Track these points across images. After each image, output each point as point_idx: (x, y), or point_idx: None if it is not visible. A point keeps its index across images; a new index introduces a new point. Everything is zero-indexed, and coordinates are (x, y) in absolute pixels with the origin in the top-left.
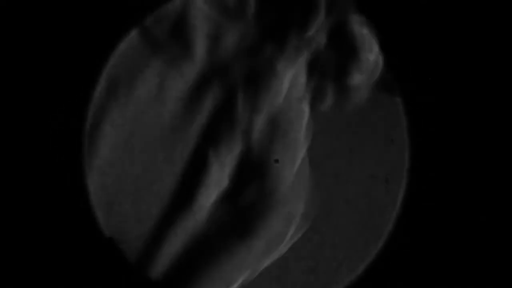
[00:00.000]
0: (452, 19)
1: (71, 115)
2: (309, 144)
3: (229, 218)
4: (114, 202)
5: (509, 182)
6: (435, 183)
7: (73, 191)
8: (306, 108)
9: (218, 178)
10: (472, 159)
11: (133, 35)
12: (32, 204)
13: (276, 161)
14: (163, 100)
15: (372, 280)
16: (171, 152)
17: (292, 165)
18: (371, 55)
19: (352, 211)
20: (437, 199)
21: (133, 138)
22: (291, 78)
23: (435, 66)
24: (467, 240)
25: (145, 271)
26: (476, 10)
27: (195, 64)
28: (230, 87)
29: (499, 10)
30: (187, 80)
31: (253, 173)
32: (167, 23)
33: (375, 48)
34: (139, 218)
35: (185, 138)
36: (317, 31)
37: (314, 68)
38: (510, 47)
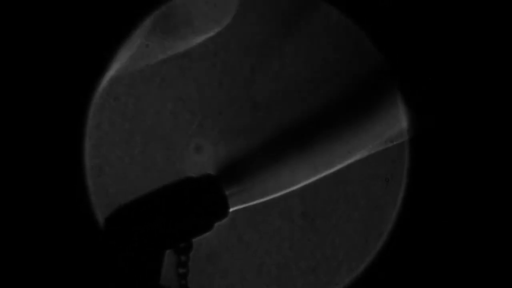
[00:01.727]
0: (452, 19)
1: (71, 115)
2: None
3: None
4: (114, 202)
5: (509, 182)
6: (435, 183)
7: (73, 191)
8: None
9: None
10: (472, 159)
11: (133, 34)
12: (32, 204)
13: None
14: (163, 100)
15: (372, 280)
16: (171, 152)
17: None
18: None
19: (352, 211)
20: (437, 199)
21: (133, 138)
22: None
23: (435, 66)
24: (467, 240)
25: None
26: (476, 10)
27: None
28: None
29: (499, 10)
30: None
31: None
32: None
33: None
34: None
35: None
36: None
37: None
38: (510, 47)
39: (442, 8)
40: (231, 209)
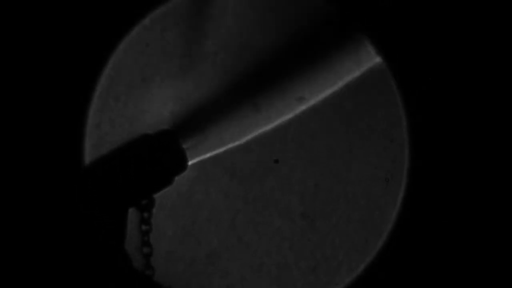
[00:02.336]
0: (451, 19)
1: (71, 115)
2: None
3: None
4: None
5: (509, 181)
6: (435, 183)
7: (73, 191)
8: None
9: None
10: (472, 159)
11: (133, 34)
12: (32, 204)
13: (276, 161)
14: (163, 100)
15: (372, 280)
16: None
17: None
18: None
19: (352, 211)
20: (437, 198)
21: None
22: None
23: (435, 66)
24: (467, 240)
25: None
26: (476, 10)
27: None
28: None
29: (499, 10)
30: None
31: None
32: None
33: None
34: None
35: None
36: None
37: None
38: (510, 47)
39: (442, 8)
40: (190, 162)
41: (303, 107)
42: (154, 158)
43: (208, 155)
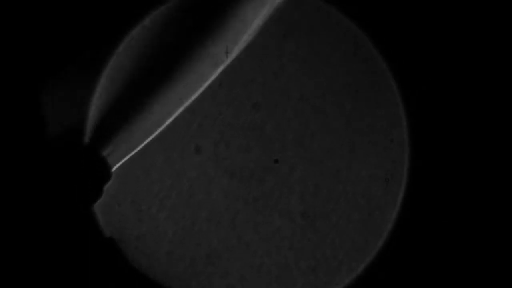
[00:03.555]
0: (451, 19)
1: (71, 114)
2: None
3: None
4: (114, 202)
5: (509, 181)
6: (435, 183)
7: (73, 191)
8: None
9: None
10: (472, 159)
11: (133, 34)
12: (32, 204)
13: (276, 161)
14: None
15: (372, 280)
16: (170, 153)
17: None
18: None
19: (352, 211)
20: (437, 198)
21: None
22: None
23: (435, 66)
24: (467, 240)
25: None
26: (476, 10)
27: None
28: None
29: (499, 10)
30: None
31: None
32: None
33: None
34: (139, 218)
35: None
36: None
37: None
38: (510, 47)
39: (442, 8)
40: (114, 168)
41: (221, 67)
42: (77, 178)
43: (131, 154)
